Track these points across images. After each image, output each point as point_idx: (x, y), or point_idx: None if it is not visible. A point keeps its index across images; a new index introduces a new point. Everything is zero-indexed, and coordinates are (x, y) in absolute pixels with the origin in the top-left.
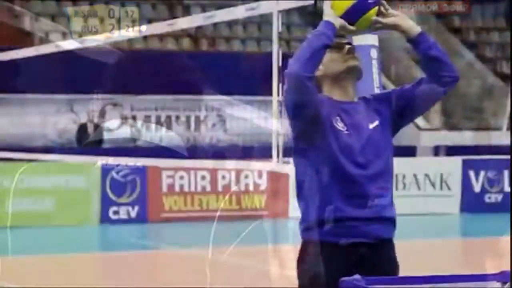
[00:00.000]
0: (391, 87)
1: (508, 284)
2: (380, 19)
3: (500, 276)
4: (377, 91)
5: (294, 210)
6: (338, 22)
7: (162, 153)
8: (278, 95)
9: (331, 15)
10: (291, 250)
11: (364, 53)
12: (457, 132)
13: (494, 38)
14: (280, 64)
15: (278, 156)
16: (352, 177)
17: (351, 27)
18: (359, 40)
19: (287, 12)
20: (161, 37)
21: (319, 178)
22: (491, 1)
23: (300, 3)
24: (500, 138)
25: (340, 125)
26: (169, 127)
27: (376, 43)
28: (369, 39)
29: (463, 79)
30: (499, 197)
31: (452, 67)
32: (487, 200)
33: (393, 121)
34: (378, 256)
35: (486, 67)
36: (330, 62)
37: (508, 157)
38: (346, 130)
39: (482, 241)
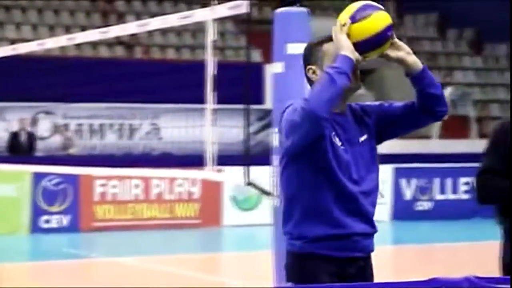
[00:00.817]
0: None
1: None
2: (388, 52)
3: (431, 283)
4: None
5: (228, 218)
6: (356, 56)
7: (95, 162)
8: (212, 103)
9: (349, 47)
10: (224, 257)
11: (297, 61)
12: (388, 141)
13: (425, 48)
14: (215, 72)
15: (211, 165)
16: (351, 193)
17: (364, 59)
18: (292, 49)
19: (221, 20)
20: (94, 44)
21: (318, 194)
22: (422, 11)
23: (234, 12)
24: (431, 146)
25: (337, 140)
26: (102, 135)
27: None
28: (303, 48)
29: (394, 88)
30: (430, 205)
31: (445, 101)
32: (417, 208)
33: (376, 135)
34: (369, 268)
35: None
36: None
37: (438, 165)
38: (342, 146)
39: (413, 248)
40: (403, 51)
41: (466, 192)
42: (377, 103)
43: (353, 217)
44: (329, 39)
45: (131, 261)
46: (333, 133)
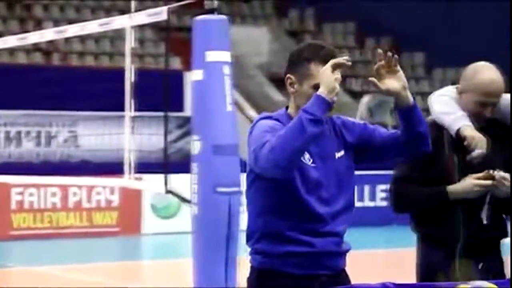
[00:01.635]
0: (243, 103)
1: None
2: (386, 81)
3: None
4: (230, 107)
5: (147, 226)
6: (332, 97)
7: (12, 170)
8: (131, 110)
9: (331, 88)
10: (144, 265)
11: (217, 69)
12: None
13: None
14: (134, 79)
15: (130, 172)
16: (318, 214)
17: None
18: (211, 57)
19: (140, 28)
20: (12, 51)
21: (283, 213)
22: (340, 20)
23: (153, 19)
24: None
25: (306, 159)
26: (19, 143)
27: (229, 60)
28: (222, 56)
29: None
30: None
31: (429, 141)
32: None
33: (353, 155)
34: (338, 285)
35: None
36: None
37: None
38: (312, 163)
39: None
40: (401, 84)
41: (383, 199)
42: (361, 122)
43: (318, 237)
44: (321, 59)
45: (49, 270)
46: None
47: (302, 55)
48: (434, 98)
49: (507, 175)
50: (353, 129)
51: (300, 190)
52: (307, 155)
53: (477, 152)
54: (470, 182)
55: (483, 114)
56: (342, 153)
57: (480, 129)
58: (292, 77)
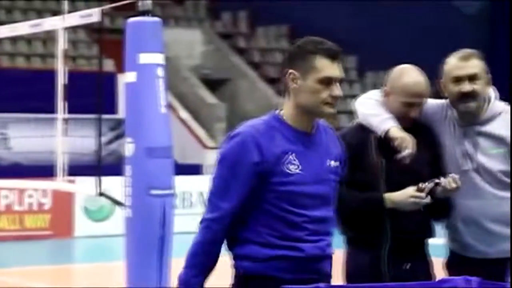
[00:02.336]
0: (176, 105)
1: None
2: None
3: None
4: (163, 109)
5: (80, 229)
6: None
7: None
8: (63, 112)
9: None
10: (76, 269)
11: (150, 71)
12: (198, 151)
13: (277, 59)
14: (66, 81)
15: (62, 175)
16: (298, 222)
17: None
18: (144, 59)
19: (72, 29)
20: None
21: (266, 219)
22: (274, 23)
23: (86, 21)
24: None
25: (291, 168)
26: None
27: (162, 62)
28: (155, 58)
29: (247, 99)
30: None
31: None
32: None
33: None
34: None
35: (269, 87)
36: (315, 93)
37: None
38: (300, 170)
39: None
40: None
41: None
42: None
43: (305, 243)
44: (325, 52)
45: None
46: (290, 157)
47: (305, 49)
48: (360, 101)
49: (452, 181)
50: (341, 156)
51: (285, 198)
52: (293, 165)
53: (406, 152)
54: (408, 193)
55: (409, 115)
56: (333, 163)
57: (405, 130)
58: (295, 72)
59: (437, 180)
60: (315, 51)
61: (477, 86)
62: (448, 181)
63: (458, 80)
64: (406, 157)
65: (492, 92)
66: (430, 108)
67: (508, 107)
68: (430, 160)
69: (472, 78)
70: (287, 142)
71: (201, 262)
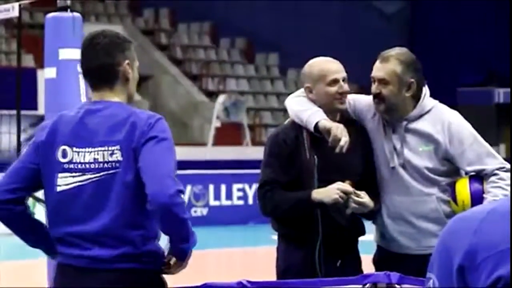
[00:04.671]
0: None
1: None
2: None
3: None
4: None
5: (0, 227)
6: None
7: None
8: None
9: None
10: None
11: (70, 67)
12: None
13: (200, 56)
14: None
15: None
16: None
17: None
18: (64, 54)
19: None
20: None
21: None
22: (196, 20)
23: (4, 16)
24: (205, 153)
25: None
26: None
27: None
28: (75, 54)
29: (170, 95)
30: (205, 211)
31: None
32: (193, 214)
33: None
34: None
35: (192, 83)
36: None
37: (212, 171)
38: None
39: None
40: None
41: (239, 198)
42: None
43: None
44: None
45: None
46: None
47: None
48: (290, 99)
49: (358, 197)
50: None
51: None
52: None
53: (343, 140)
54: (333, 187)
55: (337, 106)
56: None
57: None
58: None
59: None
60: None
61: (384, 90)
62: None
63: (373, 80)
64: (344, 146)
65: (424, 89)
66: (359, 104)
67: (439, 104)
68: (361, 157)
69: (381, 81)
70: None
71: None
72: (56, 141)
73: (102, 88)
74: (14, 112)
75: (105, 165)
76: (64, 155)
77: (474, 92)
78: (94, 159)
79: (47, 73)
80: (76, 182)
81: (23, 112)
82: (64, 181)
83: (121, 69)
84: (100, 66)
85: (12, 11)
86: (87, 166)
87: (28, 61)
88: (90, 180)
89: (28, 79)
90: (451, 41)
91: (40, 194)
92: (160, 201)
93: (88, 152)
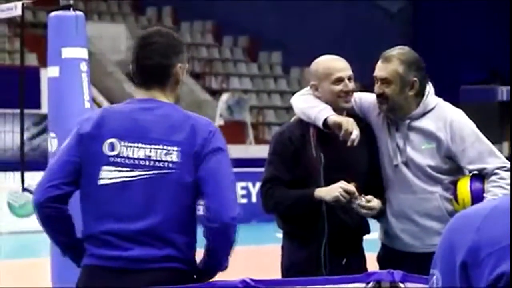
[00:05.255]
0: (102, 100)
1: None
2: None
3: (207, 286)
4: (87, 104)
5: (4, 225)
6: None
7: None
8: None
9: None
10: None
11: (73, 66)
12: None
13: (203, 54)
14: None
15: None
16: None
17: None
18: (67, 53)
19: None
20: None
21: None
22: (198, 18)
23: (7, 15)
24: None
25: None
26: None
27: (86, 56)
28: (78, 52)
29: None
30: None
31: None
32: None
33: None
34: None
35: (195, 82)
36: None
37: None
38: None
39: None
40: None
41: (243, 196)
42: None
43: None
44: None
45: None
46: None
47: None
48: (296, 97)
49: (367, 202)
50: None
51: None
52: None
53: (354, 134)
54: (336, 185)
55: (342, 104)
56: None
57: None
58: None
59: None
60: None
61: (387, 89)
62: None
63: (376, 80)
64: (355, 139)
65: (428, 87)
66: (365, 102)
67: (442, 102)
68: (367, 155)
69: (383, 81)
70: None
71: None
72: (103, 133)
73: (152, 87)
74: (17, 111)
75: (159, 163)
76: (112, 148)
77: (477, 90)
78: (146, 156)
79: (50, 72)
80: (122, 177)
81: (26, 111)
82: (109, 175)
83: (174, 71)
84: (155, 66)
85: (15, 10)
86: (138, 162)
87: (31, 60)
88: (140, 177)
89: (31, 78)
90: (453, 39)
91: None
92: (223, 220)
93: (138, 148)
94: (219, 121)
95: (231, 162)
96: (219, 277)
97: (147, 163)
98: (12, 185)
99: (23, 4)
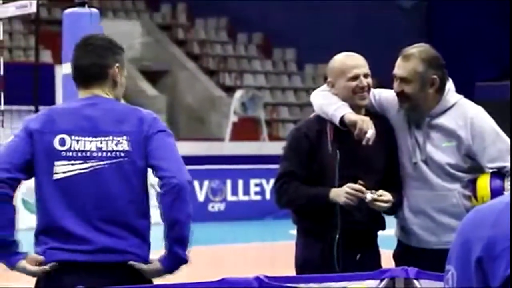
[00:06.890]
0: None
1: None
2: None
3: (221, 283)
4: None
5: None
6: None
7: None
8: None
9: None
10: None
11: None
12: (181, 142)
13: (217, 51)
14: (2, 73)
15: None
16: None
17: None
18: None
19: (8, 20)
20: None
21: None
22: (212, 15)
23: (22, 11)
24: (222, 148)
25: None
26: None
27: None
28: None
29: (187, 91)
30: (222, 206)
31: None
32: (210, 209)
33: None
34: None
35: (209, 78)
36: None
37: (230, 166)
38: None
39: (206, 250)
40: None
41: (257, 193)
42: None
43: None
44: None
45: None
46: None
47: None
48: (315, 94)
49: (379, 196)
50: None
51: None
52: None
53: (370, 132)
54: (342, 189)
55: (359, 102)
56: None
57: None
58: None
59: (369, 195)
60: None
61: (407, 88)
62: (371, 200)
63: (395, 78)
64: (370, 138)
65: (448, 84)
66: (384, 99)
67: (463, 100)
68: (385, 152)
69: (402, 80)
70: None
71: None
72: (53, 130)
73: (92, 85)
74: (32, 107)
75: (111, 154)
76: (63, 143)
77: (492, 87)
78: (98, 147)
79: (64, 69)
80: (76, 169)
81: (40, 107)
82: (62, 169)
83: (111, 71)
84: (91, 65)
85: (30, 7)
86: (89, 154)
87: (45, 57)
88: (93, 168)
89: (46, 75)
90: (467, 35)
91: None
92: (177, 181)
93: (89, 141)
94: (233, 118)
95: (246, 159)
96: (233, 273)
97: (99, 154)
98: (26, 182)
99: (38, 1)
